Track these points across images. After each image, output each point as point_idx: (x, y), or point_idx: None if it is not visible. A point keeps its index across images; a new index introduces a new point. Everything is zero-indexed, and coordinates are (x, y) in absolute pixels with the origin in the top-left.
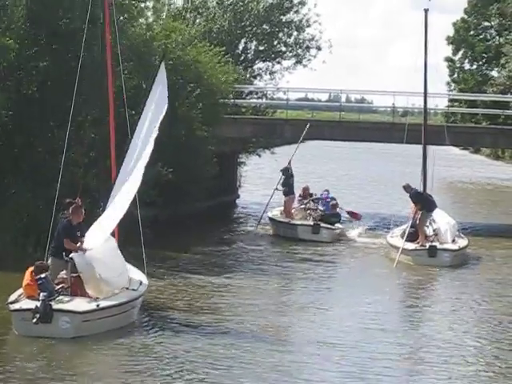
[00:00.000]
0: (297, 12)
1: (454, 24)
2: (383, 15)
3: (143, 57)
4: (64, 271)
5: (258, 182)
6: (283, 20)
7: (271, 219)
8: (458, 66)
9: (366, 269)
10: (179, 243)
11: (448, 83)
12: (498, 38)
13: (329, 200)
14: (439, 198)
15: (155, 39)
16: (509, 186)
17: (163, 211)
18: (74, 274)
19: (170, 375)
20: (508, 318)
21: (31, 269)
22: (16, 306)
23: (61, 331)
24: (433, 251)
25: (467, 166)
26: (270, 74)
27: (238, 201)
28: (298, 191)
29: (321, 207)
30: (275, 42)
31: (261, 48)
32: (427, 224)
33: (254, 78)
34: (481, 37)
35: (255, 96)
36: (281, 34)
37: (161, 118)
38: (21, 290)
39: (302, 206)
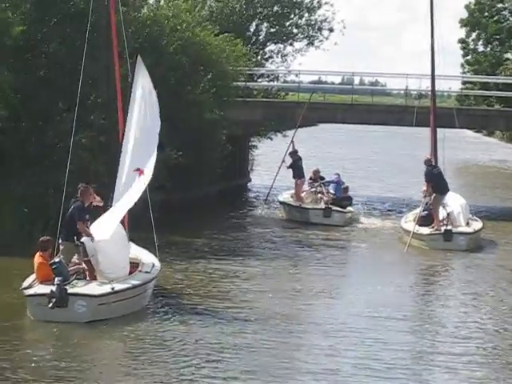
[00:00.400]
0: None
1: (467, 6)
2: None
3: (151, 38)
4: (76, 255)
5: (269, 166)
6: (294, 1)
7: (282, 203)
8: (471, 48)
9: (379, 254)
10: (189, 227)
11: (462, 65)
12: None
13: (341, 183)
14: (452, 180)
15: (163, 20)
16: None
17: (173, 195)
18: (85, 259)
19: (178, 364)
20: None
21: (39, 253)
22: (31, 292)
23: (77, 315)
24: (448, 235)
25: (481, 149)
26: (281, 56)
27: (249, 184)
28: (308, 174)
29: (332, 190)
30: (287, 24)
31: (272, 30)
32: (441, 207)
33: (266, 60)
34: (495, 19)
35: (267, 79)
36: (292, 16)
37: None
38: (33, 276)
39: (313, 189)
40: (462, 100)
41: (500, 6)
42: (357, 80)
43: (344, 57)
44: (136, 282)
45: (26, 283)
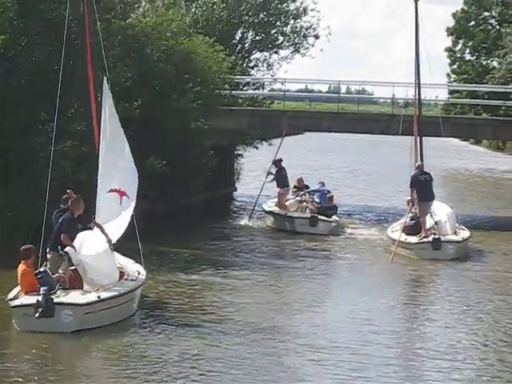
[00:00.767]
0: (294, 0)
1: (454, 14)
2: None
3: (134, 48)
4: (62, 265)
5: (255, 175)
6: (280, 8)
7: (267, 212)
8: (458, 56)
9: (365, 264)
10: (173, 238)
11: (448, 74)
12: (498, 27)
13: (326, 192)
14: (438, 189)
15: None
16: (509, 177)
17: (157, 205)
18: (72, 267)
19: (162, 379)
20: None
21: (22, 261)
22: (16, 303)
23: (63, 325)
24: (437, 244)
25: (467, 158)
26: (267, 64)
27: (235, 193)
28: (292, 183)
29: (317, 199)
30: (272, 32)
31: (258, 38)
32: (428, 216)
33: (252, 68)
34: (481, 27)
35: (252, 87)
36: (278, 23)
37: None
38: (18, 288)
39: (298, 198)
40: (449, 109)
41: (486, 14)
42: (344, 88)
43: (332, 65)
44: (122, 290)
45: (11, 295)
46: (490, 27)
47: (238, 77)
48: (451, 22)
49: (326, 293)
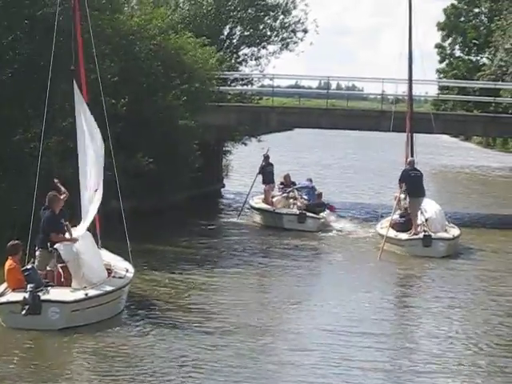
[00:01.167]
0: None
1: (445, 10)
2: (374, 2)
3: (121, 45)
4: (51, 262)
5: (244, 171)
6: (269, 3)
7: (255, 208)
8: (448, 52)
9: (354, 262)
10: (160, 236)
11: (438, 70)
12: (488, 24)
13: (314, 189)
14: (428, 186)
15: (136, 25)
16: (499, 174)
17: (144, 202)
18: (61, 265)
19: (146, 379)
20: (501, 320)
21: (9, 257)
22: (3, 299)
23: (50, 322)
24: (428, 240)
25: (458, 154)
26: (255, 59)
27: (223, 190)
28: (278, 179)
29: (305, 196)
30: (261, 27)
31: (246, 33)
32: (418, 213)
33: (240, 64)
34: (471, 23)
35: (241, 83)
36: (266, 18)
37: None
38: (5, 284)
39: (285, 195)
40: (439, 105)
41: (477, 10)
42: (334, 85)
43: (321, 61)
44: (109, 288)
45: None
46: (480, 23)
47: (227, 72)
48: (442, 18)
49: (312, 292)
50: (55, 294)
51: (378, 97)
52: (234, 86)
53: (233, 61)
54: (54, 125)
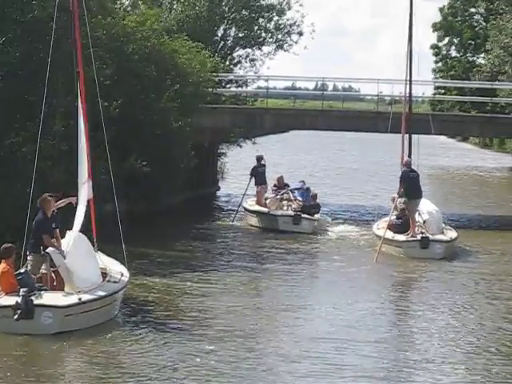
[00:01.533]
0: None
1: (441, 10)
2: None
3: (114, 47)
4: (44, 266)
5: (240, 173)
6: (263, 4)
7: (249, 210)
8: (444, 52)
9: (350, 265)
10: (154, 239)
11: (434, 70)
12: (484, 24)
13: (309, 190)
14: (425, 187)
15: (129, 27)
16: (497, 175)
17: (137, 205)
18: (54, 269)
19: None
20: (500, 325)
21: (3, 261)
22: None
23: (43, 327)
24: (425, 242)
25: (455, 155)
26: (250, 61)
27: (218, 193)
28: (271, 181)
29: (299, 197)
30: (255, 28)
31: (240, 34)
32: (416, 214)
33: (234, 65)
34: (467, 23)
35: (235, 85)
36: (261, 20)
37: None
38: None
39: (278, 197)
40: (435, 105)
41: (473, 10)
42: (331, 86)
43: (318, 63)
44: (103, 293)
45: None
46: (475, 23)
47: (221, 74)
48: (437, 18)
49: (307, 297)
50: (48, 298)
51: (375, 98)
52: (229, 88)
53: (227, 62)
54: (47, 128)
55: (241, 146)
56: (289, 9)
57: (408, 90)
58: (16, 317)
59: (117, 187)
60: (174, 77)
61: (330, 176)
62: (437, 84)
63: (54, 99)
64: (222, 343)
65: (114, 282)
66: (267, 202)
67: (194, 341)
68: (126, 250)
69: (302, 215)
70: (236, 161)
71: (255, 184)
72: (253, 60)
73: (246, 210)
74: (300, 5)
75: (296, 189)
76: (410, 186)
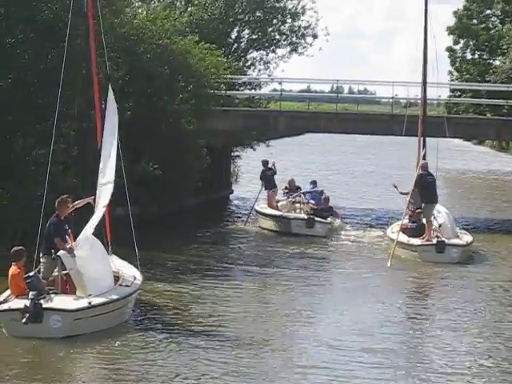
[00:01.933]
0: None
1: (455, 13)
2: (387, 6)
3: (129, 47)
4: (57, 269)
5: (253, 177)
6: (277, 6)
7: (262, 213)
8: (459, 55)
9: (364, 271)
10: (165, 244)
11: (450, 73)
12: (500, 26)
13: (321, 193)
14: (440, 191)
15: (141, 27)
16: None
17: (150, 209)
18: (65, 272)
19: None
20: None
21: (14, 264)
22: (4, 307)
23: (52, 330)
24: (441, 246)
25: (470, 158)
26: (263, 63)
27: (231, 196)
28: (282, 184)
29: (312, 200)
30: (269, 30)
31: (254, 36)
32: (431, 218)
33: (248, 68)
34: (483, 25)
35: (248, 87)
36: (275, 21)
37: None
38: (9, 291)
39: (291, 199)
40: (451, 107)
41: (489, 12)
42: (346, 89)
43: (334, 66)
44: (114, 297)
45: (0, 298)
46: (491, 25)
47: (234, 76)
48: (452, 21)
49: (319, 304)
50: (58, 301)
51: (391, 100)
52: (242, 91)
53: (241, 64)
54: (58, 131)
55: (254, 149)
56: (303, 14)
57: (423, 93)
58: (24, 320)
59: (128, 190)
60: (186, 78)
61: (344, 179)
62: (452, 86)
63: (65, 101)
64: (232, 351)
65: (126, 285)
66: (279, 204)
67: (203, 348)
68: (138, 254)
69: (316, 218)
70: (249, 164)
71: (265, 188)
72: (267, 62)
73: (258, 212)
74: (315, 11)
75: (308, 192)
76: (427, 189)
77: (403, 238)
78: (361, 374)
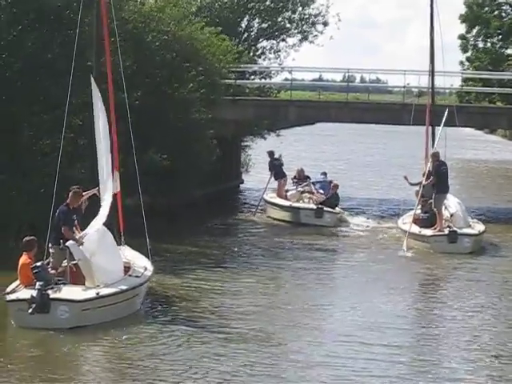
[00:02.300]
0: None
1: (466, 1)
2: None
3: (137, 35)
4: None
5: (264, 166)
6: None
7: (271, 203)
8: (471, 44)
9: (375, 262)
10: (174, 235)
11: (461, 62)
12: None
13: (330, 183)
14: (451, 180)
15: (149, 14)
16: None
17: (158, 200)
18: (74, 262)
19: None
20: None
21: (25, 253)
22: (12, 297)
23: (59, 321)
24: (453, 236)
25: (482, 148)
26: (274, 52)
27: (241, 186)
28: (291, 173)
29: (321, 190)
30: (279, 19)
31: (264, 25)
32: (443, 208)
33: (258, 57)
34: (495, 13)
35: (259, 76)
36: (285, 10)
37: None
38: (18, 281)
39: (300, 189)
40: (463, 96)
41: (501, 0)
42: (358, 78)
43: (346, 54)
44: (123, 287)
45: (9, 288)
46: (504, 13)
47: (244, 65)
48: (463, 9)
49: (330, 297)
50: (66, 292)
51: (402, 90)
52: (253, 80)
53: (251, 53)
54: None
55: (265, 139)
56: (313, 2)
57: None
58: (30, 310)
59: (136, 180)
60: (194, 66)
61: (355, 169)
62: (463, 75)
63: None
64: (240, 345)
65: (136, 276)
66: (288, 194)
67: (211, 342)
68: (145, 245)
69: (325, 208)
70: (260, 153)
71: (275, 179)
72: (277, 51)
73: (266, 202)
74: None
75: (318, 182)
76: (440, 179)
77: (415, 228)
78: (372, 370)
